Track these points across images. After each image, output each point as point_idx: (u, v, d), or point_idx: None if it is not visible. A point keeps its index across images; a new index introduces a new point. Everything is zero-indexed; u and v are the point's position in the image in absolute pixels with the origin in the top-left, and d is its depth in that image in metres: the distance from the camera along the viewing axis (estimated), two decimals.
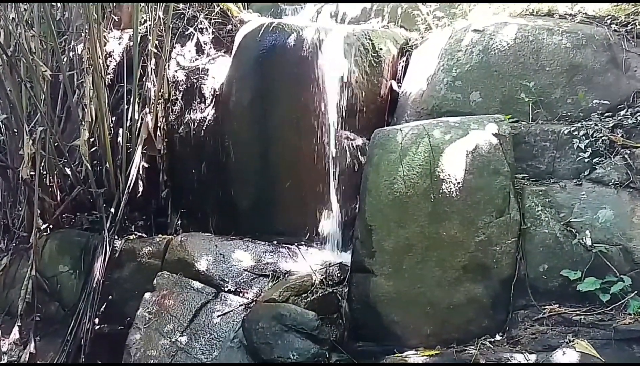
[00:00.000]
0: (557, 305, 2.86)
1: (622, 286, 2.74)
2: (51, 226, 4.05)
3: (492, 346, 2.81)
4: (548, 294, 2.94)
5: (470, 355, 2.71)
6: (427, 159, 3.10)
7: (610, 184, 3.05)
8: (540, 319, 2.83)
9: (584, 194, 3.06)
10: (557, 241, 2.98)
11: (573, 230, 2.97)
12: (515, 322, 2.91)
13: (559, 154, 3.25)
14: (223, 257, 3.59)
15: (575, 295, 2.87)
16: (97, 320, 3.51)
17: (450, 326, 3.00)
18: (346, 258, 3.56)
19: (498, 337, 2.91)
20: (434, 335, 3.00)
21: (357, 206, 3.51)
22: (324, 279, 3.47)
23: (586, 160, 3.16)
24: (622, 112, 3.29)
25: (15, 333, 3.51)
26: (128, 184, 3.92)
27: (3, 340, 3.49)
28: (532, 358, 2.58)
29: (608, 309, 2.74)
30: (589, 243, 2.91)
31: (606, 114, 3.34)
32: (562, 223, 3.00)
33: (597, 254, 2.87)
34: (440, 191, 3.06)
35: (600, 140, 3.15)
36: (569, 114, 3.45)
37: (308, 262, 3.62)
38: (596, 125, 3.23)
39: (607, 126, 3.20)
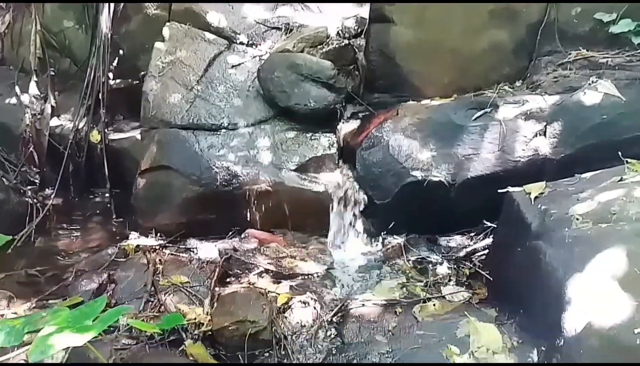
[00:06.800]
0: (585, 50, 2.74)
1: None
2: None
3: (510, 91, 2.78)
4: (576, 40, 2.80)
5: (487, 98, 2.69)
6: None
7: None
8: (565, 63, 2.74)
9: None
10: None
11: None
12: (538, 68, 2.83)
13: None
14: (232, 8, 3.41)
15: (605, 40, 2.74)
16: (111, 75, 3.49)
17: (469, 75, 2.93)
18: (364, 10, 3.35)
19: (518, 83, 2.86)
20: (451, 84, 2.95)
21: None
22: (339, 32, 3.36)
23: None
24: None
25: (33, 88, 3.53)
26: None
27: (22, 95, 3.52)
28: (551, 99, 2.55)
29: (638, 51, 2.63)
30: None
31: None
32: None
33: None
34: None
35: None
36: None
37: (323, 14, 3.44)
38: None
39: None
